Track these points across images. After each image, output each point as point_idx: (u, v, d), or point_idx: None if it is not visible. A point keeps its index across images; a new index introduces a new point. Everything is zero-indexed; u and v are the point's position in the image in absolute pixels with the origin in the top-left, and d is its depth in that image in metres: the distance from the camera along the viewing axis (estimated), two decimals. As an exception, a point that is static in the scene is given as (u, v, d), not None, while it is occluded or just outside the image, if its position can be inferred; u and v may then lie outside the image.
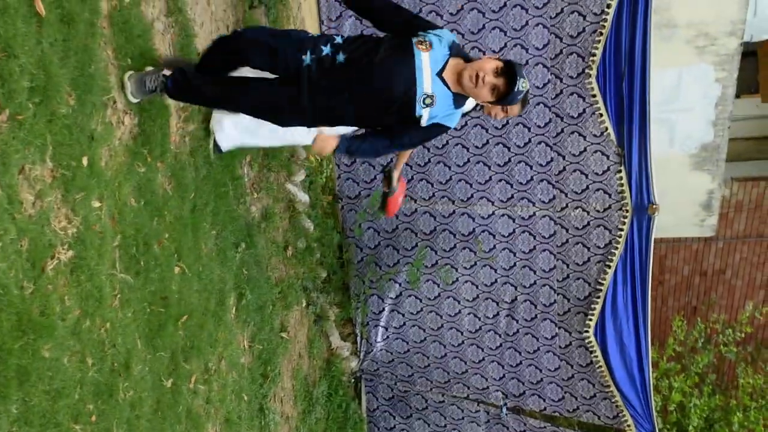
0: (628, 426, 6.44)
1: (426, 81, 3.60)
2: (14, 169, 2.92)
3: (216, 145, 4.79)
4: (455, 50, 3.73)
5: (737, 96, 9.39)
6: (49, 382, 3.07)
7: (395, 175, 4.64)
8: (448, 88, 3.68)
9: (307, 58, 3.61)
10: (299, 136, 4.75)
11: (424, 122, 3.71)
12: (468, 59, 3.74)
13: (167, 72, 3.84)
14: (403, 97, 3.62)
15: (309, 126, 3.94)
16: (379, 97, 3.65)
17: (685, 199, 9.35)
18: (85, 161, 3.39)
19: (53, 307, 3.12)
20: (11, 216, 2.88)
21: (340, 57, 3.61)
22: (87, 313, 3.37)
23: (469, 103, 4.41)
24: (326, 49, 3.62)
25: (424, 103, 3.63)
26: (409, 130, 3.79)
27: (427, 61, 3.61)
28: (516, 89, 3.54)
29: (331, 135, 3.82)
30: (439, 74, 3.64)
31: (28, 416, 2.92)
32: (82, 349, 3.32)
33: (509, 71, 3.56)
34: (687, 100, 8.80)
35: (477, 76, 3.56)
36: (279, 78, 3.73)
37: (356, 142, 3.86)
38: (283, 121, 3.90)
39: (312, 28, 6.28)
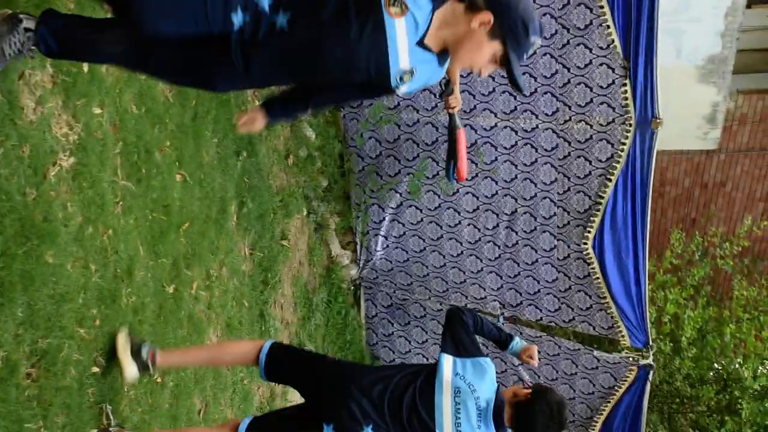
0: (623, 336, 6.55)
1: (402, 56, 2.61)
2: (14, 75, 2.90)
3: None
4: None
5: (748, 6, 9.21)
6: (53, 287, 3.11)
7: (456, 89, 4.40)
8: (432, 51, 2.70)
9: (238, 18, 2.53)
10: None
11: (402, 93, 2.79)
12: None
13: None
14: (370, 77, 2.67)
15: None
16: (336, 78, 2.78)
17: (689, 111, 9.28)
18: (85, 67, 3.37)
19: (56, 214, 3.14)
20: (12, 122, 2.87)
21: (281, 20, 2.54)
22: (89, 220, 3.40)
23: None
24: (263, 2, 2.52)
25: (401, 81, 2.68)
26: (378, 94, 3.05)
27: (403, 29, 2.57)
28: (520, 83, 2.67)
29: (259, 113, 3.04)
30: (420, 42, 2.63)
31: (34, 319, 2.98)
32: (85, 255, 3.36)
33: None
34: (696, 10, 8.64)
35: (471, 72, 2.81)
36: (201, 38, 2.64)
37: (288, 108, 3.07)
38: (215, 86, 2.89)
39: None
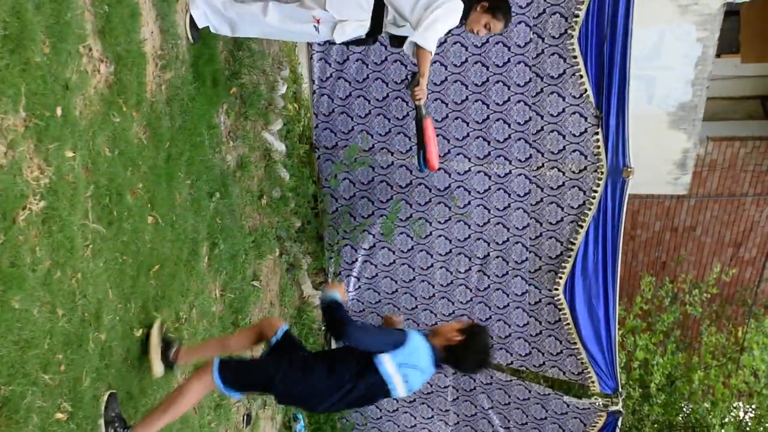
0: (592, 382, 6.57)
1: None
2: (-15, 119, 2.87)
3: (192, 25, 4.59)
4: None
5: (717, 56, 9.39)
6: (18, 333, 3.06)
7: (423, 81, 4.38)
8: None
9: None
10: (290, 31, 4.58)
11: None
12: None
13: None
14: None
15: None
16: None
17: (660, 157, 9.41)
18: (59, 111, 3.34)
19: (24, 258, 3.10)
20: (-18, 167, 2.84)
21: None
22: (58, 264, 3.35)
23: (450, 25, 4.38)
24: None
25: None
26: None
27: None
28: None
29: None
30: None
31: (-3, 366, 2.93)
32: (52, 300, 3.31)
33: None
34: (668, 59, 8.79)
35: None
36: None
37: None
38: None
39: None
